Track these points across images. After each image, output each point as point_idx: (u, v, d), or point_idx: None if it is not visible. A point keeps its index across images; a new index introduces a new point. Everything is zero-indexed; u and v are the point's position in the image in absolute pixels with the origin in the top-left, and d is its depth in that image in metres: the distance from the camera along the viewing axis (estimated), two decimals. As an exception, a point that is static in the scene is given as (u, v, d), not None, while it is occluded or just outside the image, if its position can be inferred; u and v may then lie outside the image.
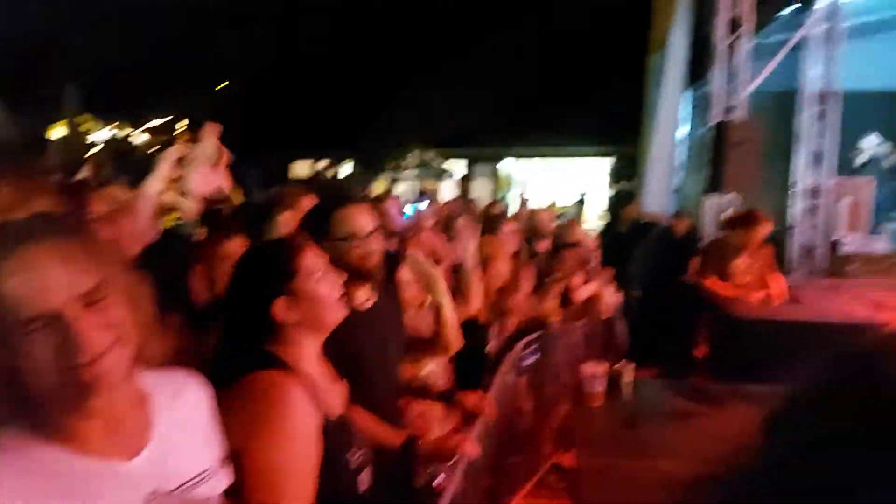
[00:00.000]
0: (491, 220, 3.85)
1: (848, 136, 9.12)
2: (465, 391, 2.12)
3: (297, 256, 1.27)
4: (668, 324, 5.05)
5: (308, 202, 2.14)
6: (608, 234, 7.63)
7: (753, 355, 3.41)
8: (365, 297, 1.75)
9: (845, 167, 8.93)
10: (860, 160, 8.78)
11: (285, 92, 13.43)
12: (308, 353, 1.29)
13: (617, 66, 10.27)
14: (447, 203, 7.16)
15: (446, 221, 3.56)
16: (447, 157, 13.33)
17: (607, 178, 12.84)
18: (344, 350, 1.38)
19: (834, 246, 6.68)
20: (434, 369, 2.15)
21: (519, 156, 13.59)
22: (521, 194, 10.69)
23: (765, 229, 4.30)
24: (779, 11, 6.55)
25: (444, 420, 2.15)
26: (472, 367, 2.34)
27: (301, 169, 13.92)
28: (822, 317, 3.70)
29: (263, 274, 1.28)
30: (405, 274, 2.03)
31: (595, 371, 2.45)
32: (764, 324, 3.46)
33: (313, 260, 1.28)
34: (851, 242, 6.62)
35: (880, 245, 6.61)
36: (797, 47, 6.35)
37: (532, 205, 7.72)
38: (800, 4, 6.04)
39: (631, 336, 4.60)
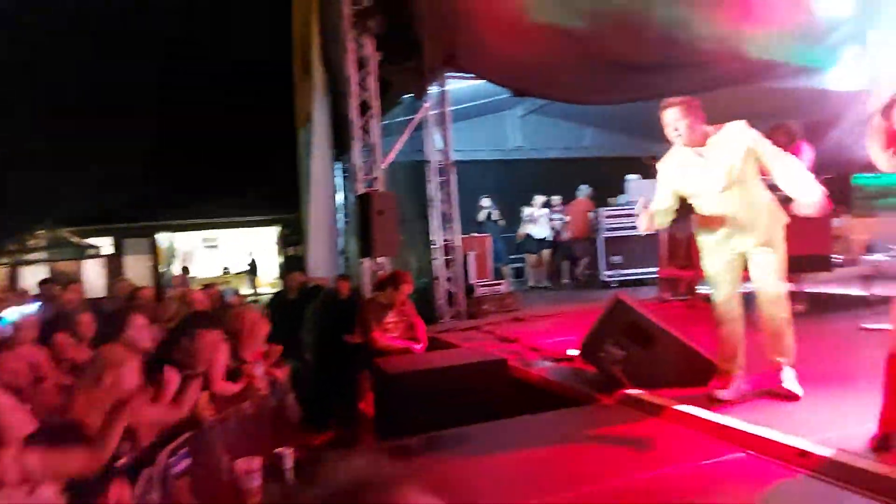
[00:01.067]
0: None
1: (472, 197, 11.05)
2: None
3: None
4: (338, 385, 5.24)
5: None
6: (278, 301, 7.66)
7: (406, 408, 3.75)
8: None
9: (473, 223, 10.75)
10: (480, 217, 10.65)
11: None
12: None
13: (275, 138, 10.62)
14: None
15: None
16: (89, 235, 11.80)
17: (276, 245, 12.96)
18: None
19: (470, 291, 7.88)
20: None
21: (179, 228, 12.79)
22: (183, 266, 10.04)
23: (408, 288, 4.83)
24: (403, 96, 7.60)
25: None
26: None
27: None
28: (460, 360, 4.25)
29: None
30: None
31: (249, 466, 2.38)
32: (411, 376, 3.83)
33: None
34: (482, 287, 7.90)
35: (503, 287, 8.03)
36: (421, 126, 7.47)
37: (198, 275, 7.24)
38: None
39: (305, 404, 4.62)
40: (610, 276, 9.35)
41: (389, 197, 6.17)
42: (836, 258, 6.27)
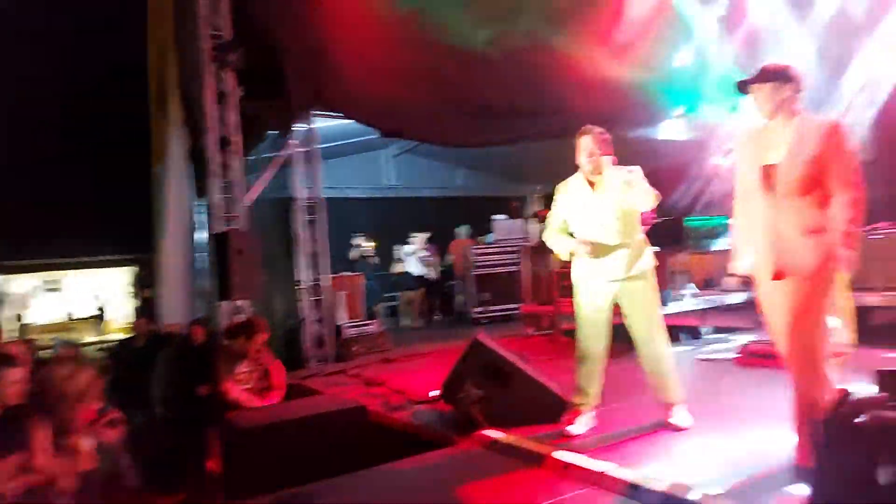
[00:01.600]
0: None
1: (346, 235, 10.91)
2: None
3: None
4: (189, 442, 4.83)
5: None
6: (124, 349, 7.01)
7: (257, 465, 3.51)
8: None
9: (345, 261, 10.58)
10: (353, 255, 10.52)
11: None
12: None
13: (130, 174, 9.86)
14: None
15: None
16: None
17: (130, 287, 11.94)
18: None
19: (339, 332, 7.68)
20: None
21: (13, 270, 11.40)
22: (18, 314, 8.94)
23: (262, 337, 4.59)
24: (267, 132, 7.38)
25: None
26: None
27: None
28: (316, 409, 4.07)
29: None
30: None
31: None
32: (262, 430, 3.60)
33: None
34: (352, 328, 7.74)
35: (373, 327, 7.91)
36: (288, 163, 7.27)
37: (36, 322, 6.47)
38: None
39: (150, 464, 4.19)
40: (479, 313, 9.56)
41: (249, 236, 5.90)
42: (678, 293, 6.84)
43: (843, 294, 4.93)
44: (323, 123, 8.59)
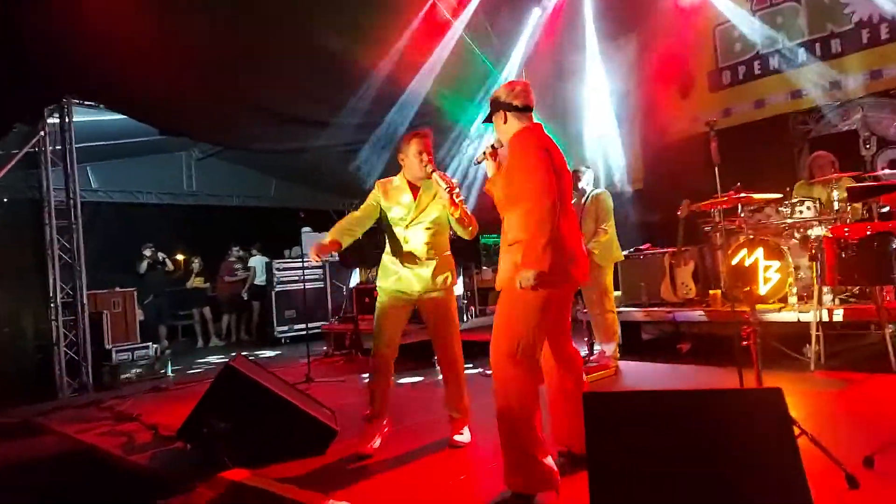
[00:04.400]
0: None
1: (135, 245, 9.67)
2: None
3: None
4: None
5: None
6: None
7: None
8: None
9: (135, 274, 9.36)
10: (142, 268, 9.35)
11: None
12: None
13: None
14: None
15: None
16: None
17: None
18: None
19: (108, 356, 6.67)
20: None
21: None
22: None
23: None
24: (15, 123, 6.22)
25: None
26: None
27: None
28: (31, 454, 3.34)
29: None
30: None
31: None
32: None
33: None
34: (123, 351, 6.76)
35: (150, 350, 6.98)
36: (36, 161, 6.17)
37: None
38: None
39: None
40: (282, 333, 8.98)
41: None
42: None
43: (607, 310, 5.25)
44: (100, 117, 7.53)
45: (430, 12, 6.93)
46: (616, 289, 6.32)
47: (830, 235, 2.56)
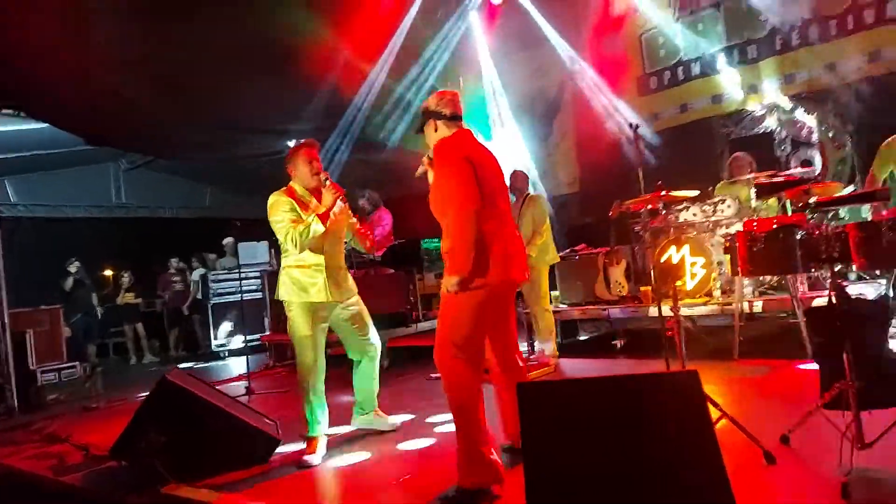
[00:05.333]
0: None
1: (60, 261, 9.21)
2: None
3: None
4: None
5: None
6: None
7: None
8: None
9: (60, 291, 8.92)
10: (68, 285, 8.94)
11: None
12: None
13: None
14: None
15: None
16: None
17: None
18: None
19: (33, 377, 6.34)
20: None
21: None
22: None
23: None
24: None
25: None
26: None
27: None
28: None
29: None
30: None
31: None
32: None
33: None
34: (49, 372, 6.44)
35: (78, 370, 6.68)
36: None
37: None
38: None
39: None
40: (220, 346, 8.75)
41: None
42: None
43: (545, 309, 5.40)
44: (18, 127, 7.19)
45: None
46: (553, 289, 6.50)
47: (742, 230, 2.76)
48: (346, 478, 3.11)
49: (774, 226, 2.46)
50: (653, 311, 5.37)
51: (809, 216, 2.50)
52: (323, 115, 6.63)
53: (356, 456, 3.39)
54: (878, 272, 5.52)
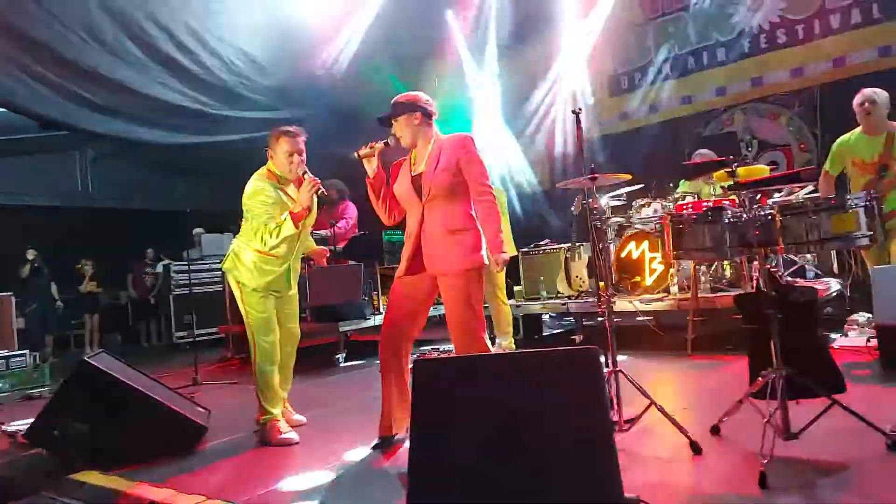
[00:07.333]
0: None
1: (19, 249, 8.98)
2: None
3: None
4: None
5: None
6: None
7: None
8: None
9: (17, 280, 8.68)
10: (24, 272, 8.71)
11: None
12: None
13: None
14: None
15: None
16: None
17: None
18: None
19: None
20: None
21: None
22: None
23: None
24: None
25: None
26: None
27: None
28: None
29: None
30: None
31: None
32: None
33: None
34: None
35: (27, 360, 6.49)
36: None
37: None
38: None
39: None
40: (181, 338, 8.57)
41: None
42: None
43: (502, 302, 5.32)
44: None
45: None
46: (517, 283, 6.43)
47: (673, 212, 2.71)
48: (270, 468, 3.00)
49: (704, 207, 2.39)
50: (618, 307, 5.32)
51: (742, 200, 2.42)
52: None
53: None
54: (834, 269, 5.52)
